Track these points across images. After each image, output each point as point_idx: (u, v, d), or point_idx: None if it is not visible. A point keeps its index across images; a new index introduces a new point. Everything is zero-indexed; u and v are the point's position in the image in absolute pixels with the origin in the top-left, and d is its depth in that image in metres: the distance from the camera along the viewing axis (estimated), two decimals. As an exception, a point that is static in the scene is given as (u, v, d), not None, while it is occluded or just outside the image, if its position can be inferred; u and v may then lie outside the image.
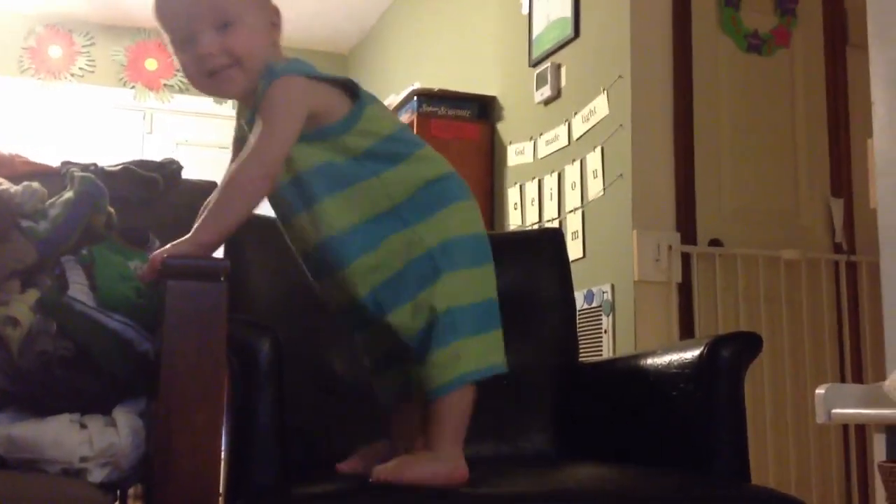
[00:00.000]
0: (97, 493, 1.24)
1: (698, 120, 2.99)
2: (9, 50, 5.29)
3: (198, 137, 5.21)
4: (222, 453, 1.28)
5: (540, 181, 3.37)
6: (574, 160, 3.17)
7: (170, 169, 1.86)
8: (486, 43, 3.95)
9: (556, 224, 3.21)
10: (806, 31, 3.24)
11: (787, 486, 2.77)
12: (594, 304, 2.97)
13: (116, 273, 1.41)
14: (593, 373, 1.90)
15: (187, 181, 1.88)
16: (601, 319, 2.93)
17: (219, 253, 1.35)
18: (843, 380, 2.97)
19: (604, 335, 2.92)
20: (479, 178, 3.72)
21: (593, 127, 3.08)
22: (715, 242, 2.96)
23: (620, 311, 2.87)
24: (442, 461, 1.33)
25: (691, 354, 1.56)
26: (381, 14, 5.30)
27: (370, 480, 1.31)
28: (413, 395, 1.46)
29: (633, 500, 1.37)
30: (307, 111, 1.36)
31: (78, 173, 1.55)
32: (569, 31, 3.26)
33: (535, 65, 3.48)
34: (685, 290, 2.87)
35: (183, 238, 1.29)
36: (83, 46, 5.42)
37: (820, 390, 1.92)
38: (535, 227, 3.34)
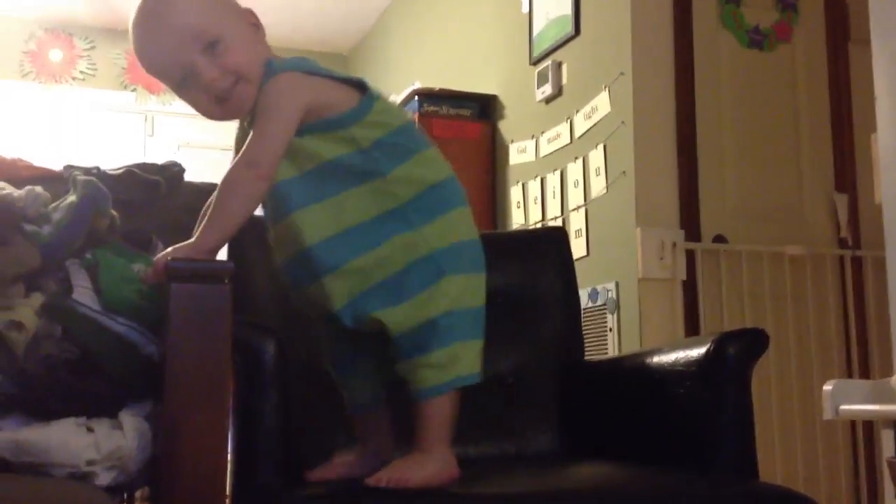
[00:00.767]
0: (104, 497, 1.24)
1: (700, 116, 2.98)
2: (10, 54, 5.29)
3: (199, 140, 5.21)
4: (228, 455, 1.28)
5: (542, 179, 3.37)
6: (576, 158, 3.16)
7: (172, 171, 1.85)
8: (486, 41, 3.94)
9: (559, 222, 3.21)
10: (807, 25, 3.23)
11: (796, 482, 2.76)
12: (599, 303, 2.96)
13: (120, 276, 1.41)
14: (598, 371, 1.90)
15: (189, 184, 1.87)
16: (606, 318, 2.93)
17: (222, 255, 1.35)
18: (849, 375, 2.96)
19: (608, 333, 2.91)
20: (480, 177, 3.72)
21: (595, 124, 3.07)
22: (719, 239, 2.95)
23: (625, 309, 2.86)
24: (437, 462, 1.33)
25: (697, 352, 1.55)
26: (381, 14, 5.30)
27: (370, 485, 1.30)
28: (381, 400, 1.47)
29: (640, 499, 1.37)
30: (303, 106, 1.35)
31: (80, 177, 1.55)
32: (569, 28, 3.26)
33: (535, 63, 3.48)
34: (690, 287, 2.86)
35: (186, 241, 1.29)
36: (84, 50, 5.43)
37: (827, 386, 1.92)
38: (538, 225, 3.34)
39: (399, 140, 1.41)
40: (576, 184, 3.16)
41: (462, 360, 1.35)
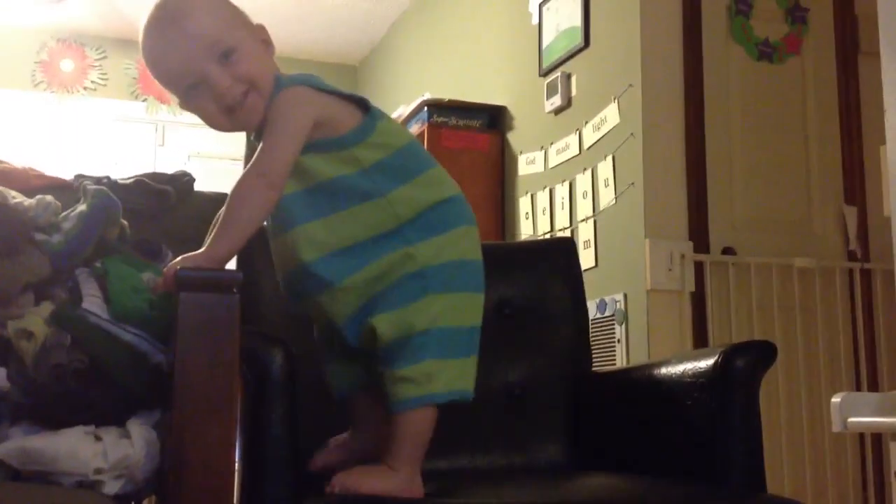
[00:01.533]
0: (111, 506, 1.24)
1: (710, 128, 2.98)
2: (22, 64, 5.33)
3: (210, 149, 5.23)
4: (236, 465, 1.28)
5: (551, 190, 3.37)
6: (585, 169, 3.16)
7: (182, 181, 1.86)
8: (495, 53, 3.95)
9: (567, 233, 3.21)
10: (817, 38, 3.23)
11: (804, 495, 2.75)
12: (607, 314, 2.96)
13: (129, 285, 1.41)
14: (606, 382, 1.89)
15: (199, 193, 1.88)
16: (614, 329, 2.92)
17: (231, 265, 1.35)
18: (858, 388, 2.95)
19: (617, 344, 2.91)
20: (489, 188, 3.72)
21: (604, 136, 3.07)
22: (728, 251, 2.95)
23: (633, 321, 2.86)
24: (397, 479, 1.33)
25: (705, 364, 1.55)
26: (391, 25, 5.32)
27: (326, 490, 1.31)
28: (370, 386, 1.45)
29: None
30: (311, 120, 1.36)
31: (91, 186, 1.55)
32: (578, 40, 3.27)
33: (545, 74, 3.48)
34: (698, 298, 2.86)
35: (196, 251, 1.30)
36: (95, 60, 5.46)
37: (835, 399, 1.91)
38: (547, 236, 3.34)
39: (401, 161, 1.41)
40: (584, 195, 3.16)
41: (437, 378, 1.34)
